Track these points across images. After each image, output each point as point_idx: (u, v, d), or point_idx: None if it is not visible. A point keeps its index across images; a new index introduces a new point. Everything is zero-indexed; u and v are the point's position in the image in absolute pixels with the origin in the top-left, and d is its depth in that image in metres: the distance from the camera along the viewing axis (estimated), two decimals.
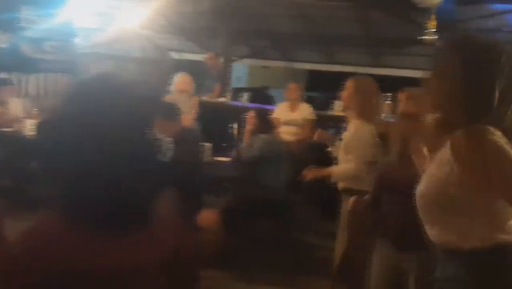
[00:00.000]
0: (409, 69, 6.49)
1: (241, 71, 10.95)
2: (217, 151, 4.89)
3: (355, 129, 3.19)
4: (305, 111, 5.45)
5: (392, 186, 2.31)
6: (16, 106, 5.65)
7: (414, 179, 1.60)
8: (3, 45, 6.03)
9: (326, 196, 3.80)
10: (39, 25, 6.22)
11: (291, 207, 4.42)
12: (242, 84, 10.74)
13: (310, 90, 10.66)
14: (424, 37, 4.56)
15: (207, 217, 2.69)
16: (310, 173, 3.33)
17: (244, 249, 3.83)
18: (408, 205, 1.63)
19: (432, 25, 4.43)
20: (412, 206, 1.57)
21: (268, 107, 6.09)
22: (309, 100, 6.65)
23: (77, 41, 6.81)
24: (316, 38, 7.38)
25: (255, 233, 4.07)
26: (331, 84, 4.86)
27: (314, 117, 5.39)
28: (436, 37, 4.45)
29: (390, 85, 4.51)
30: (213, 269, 3.77)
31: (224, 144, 5.07)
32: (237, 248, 3.80)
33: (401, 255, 2.24)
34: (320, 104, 6.58)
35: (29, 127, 4.93)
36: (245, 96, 6.89)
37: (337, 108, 5.52)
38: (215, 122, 5.63)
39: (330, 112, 5.94)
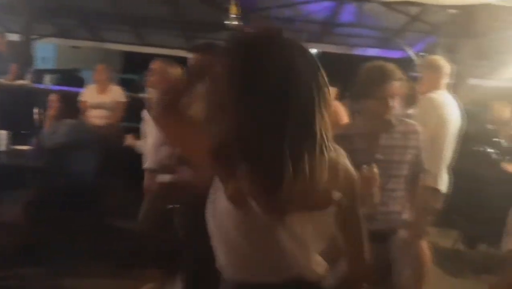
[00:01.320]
0: None
1: (47, 51, 10.10)
2: (17, 139, 4.46)
3: None
4: (115, 93, 5.26)
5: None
6: None
7: None
8: None
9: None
10: None
11: (104, 194, 4.28)
12: (49, 65, 9.93)
13: (126, 72, 10.38)
14: (227, 22, 4.76)
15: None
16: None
17: (58, 243, 3.60)
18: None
19: (234, 11, 4.65)
20: None
21: (76, 90, 5.74)
22: (125, 82, 6.47)
23: None
24: (128, 19, 7.17)
25: (67, 225, 3.84)
26: (147, 66, 4.78)
27: (125, 100, 5.25)
28: (238, 22, 4.70)
29: None
30: (26, 266, 3.50)
31: (24, 131, 4.64)
32: (49, 243, 3.57)
33: None
34: (137, 86, 6.45)
35: None
36: (50, 78, 6.38)
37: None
38: (14, 107, 5.11)
39: (143, 95, 5.86)
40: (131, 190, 4.58)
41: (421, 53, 6.53)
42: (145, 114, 3.62)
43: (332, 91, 1.38)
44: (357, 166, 2.31)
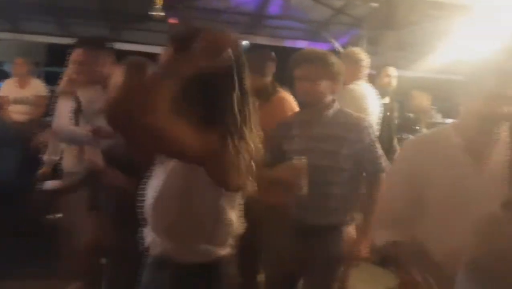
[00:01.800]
0: (145, 44, 6.65)
1: None
2: None
3: None
4: (36, 87, 5.06)
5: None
6: None
7: None
8: None
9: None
10: None
11: (25, 192, 4.10)
12: None
13: (51, 65, 9.89)
14: (153, 13, 4.70)
15: None
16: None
17: None
18: None
19: (159, 1, 4.59)
20: None
21: None
22: (50, 76, 6.18)
23: None
24: (50, 9, 6.85)
25: None
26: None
27: (47, 94, 5.04)
28: (164, 13, 4.64)
29: None
30: None
31: None
32: None
33: None
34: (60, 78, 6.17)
35: None
36: None
37: None
38: None
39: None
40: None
41: (345, 46, 6.74)
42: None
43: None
44: (293, 152, 2.38)
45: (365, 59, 3.62)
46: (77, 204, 3.19)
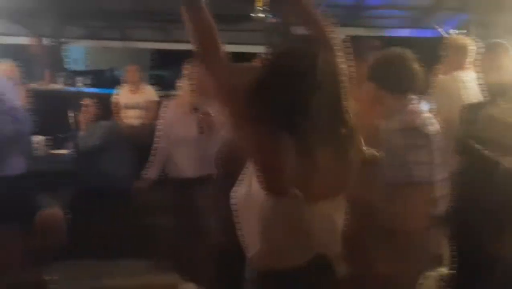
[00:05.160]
0: (246, 45, 6.76)
1: (77, 53, 10.27)
2: (54, 143, 4.56)
3: None
4: (147, 93, 5.32)
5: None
6: None
7: None
8: None
9: None
10: None
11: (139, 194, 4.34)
12: (79, 67, 10.10)
13: (155, 68, 10.44)
14: (253, 15, 4.74)
15: (49, 217, 2.46)
16: None
17: (95, 243, 3.68)
18: None
19: (260, 3, 4.62)
20: None
21: (108, 90, 5.82)
22: (155, 79, 6.53)
23: None
24: (153, 16, 7.22)
25: (105, 225, 3.92)
26: (175, 61, 4.79)
27: (157, 99, 5.29)
28: (264, 15, 4.67)
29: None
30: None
31: (61, 135, 4.73)
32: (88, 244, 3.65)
33: None
34: (166, 82, 6.49)
35: None
36: (83, 80, 6.50)
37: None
38: (49, 111, 5.22)
39: (174, 92, 5.88)
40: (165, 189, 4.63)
41: (453, 31, 6.34)
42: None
43: None
44: None
45: (471, 46, 3.34)
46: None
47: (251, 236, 1.47)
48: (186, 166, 3.44)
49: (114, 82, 8.32)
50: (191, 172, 3.42)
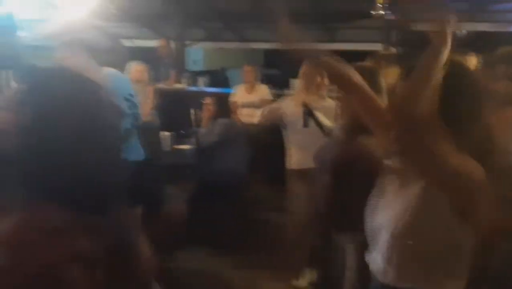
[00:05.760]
0: (362, 42, 6.62)
1: (196, 54, 10.82)
2: (177, 139, 4.86)
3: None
4: (262, 92, 5.47)
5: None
6: None
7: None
8: None
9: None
10: None
11: (253, 189, 4.48)
12: (198, 67, 10.63)
13: (268, 67, 10.63)
14: (373, 12, 4.64)
15: (174, 210, 2.62)
16: None
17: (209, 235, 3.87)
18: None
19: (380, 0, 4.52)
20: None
21: (225, 90, 6.07)
22: (267, 78, 6.67)
23: (21, 34, 6.49)
24: (268, 17, 7.35)
25: (221, 218, 4.10)
26: (288, 61, 4.85)
27: (271, 98, 5.41)
28: (384, 12, 4.55)
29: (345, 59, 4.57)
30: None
31: (183, 132, 5.04)
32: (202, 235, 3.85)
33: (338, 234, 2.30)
34: (279, 81, 6.61)
35: None
36: (202, 80, 6.84)
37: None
38: (173, 109, 5.58)
39: (287, 91, 5.98)
40: (277, 185, 4.75)
41: None
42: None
43: None
44: None
45: None
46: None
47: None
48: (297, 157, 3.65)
49: (229, 81, 8.66)
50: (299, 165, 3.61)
